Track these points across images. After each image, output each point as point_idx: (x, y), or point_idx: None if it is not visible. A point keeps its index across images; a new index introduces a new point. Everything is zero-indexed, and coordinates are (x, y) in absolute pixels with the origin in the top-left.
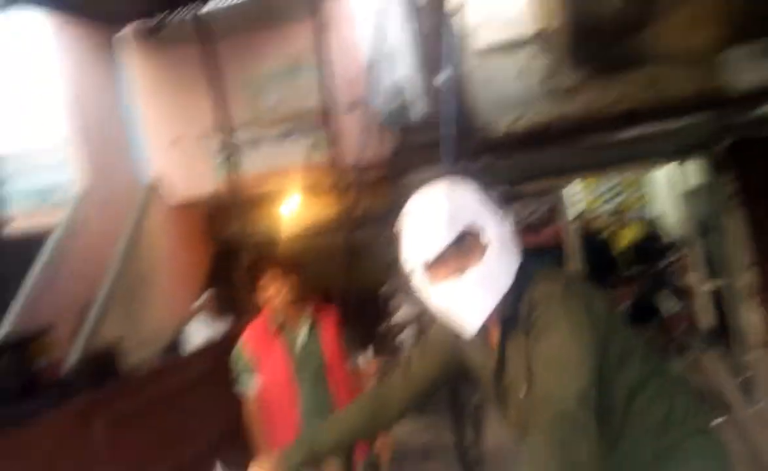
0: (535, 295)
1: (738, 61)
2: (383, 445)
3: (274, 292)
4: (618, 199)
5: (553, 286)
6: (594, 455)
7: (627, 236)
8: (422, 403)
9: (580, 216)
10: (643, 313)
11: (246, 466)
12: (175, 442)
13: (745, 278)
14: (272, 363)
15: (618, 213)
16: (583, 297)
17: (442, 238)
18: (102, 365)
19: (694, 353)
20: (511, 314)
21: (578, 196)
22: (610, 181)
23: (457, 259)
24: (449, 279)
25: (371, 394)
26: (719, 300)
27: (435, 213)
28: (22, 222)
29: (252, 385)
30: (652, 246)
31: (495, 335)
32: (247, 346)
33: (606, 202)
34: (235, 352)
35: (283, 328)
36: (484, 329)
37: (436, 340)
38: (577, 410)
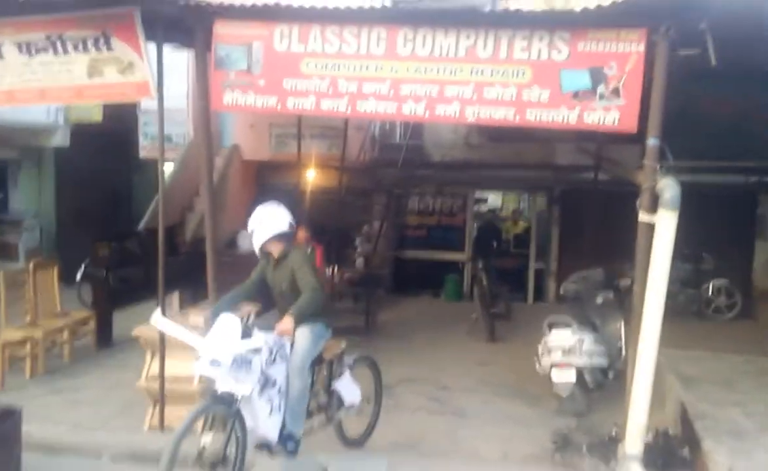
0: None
1: (564, 149)
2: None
3: (302, 234)
4: (518, 205)
5: (299, 249)
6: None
7: (516, 228)
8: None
9: (489, 211)
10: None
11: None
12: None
13: (551, 264)
14: None
15: (515, 212)
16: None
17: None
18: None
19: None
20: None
21: (492, 199)
22: (515, 194)
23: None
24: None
25: (247, 282)
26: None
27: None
28: (150, 152)
29: None
30: (527, 238)
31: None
32: None
33: (512, 204)
34: None
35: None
36: (272, 259)
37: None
38: (319, 287)
